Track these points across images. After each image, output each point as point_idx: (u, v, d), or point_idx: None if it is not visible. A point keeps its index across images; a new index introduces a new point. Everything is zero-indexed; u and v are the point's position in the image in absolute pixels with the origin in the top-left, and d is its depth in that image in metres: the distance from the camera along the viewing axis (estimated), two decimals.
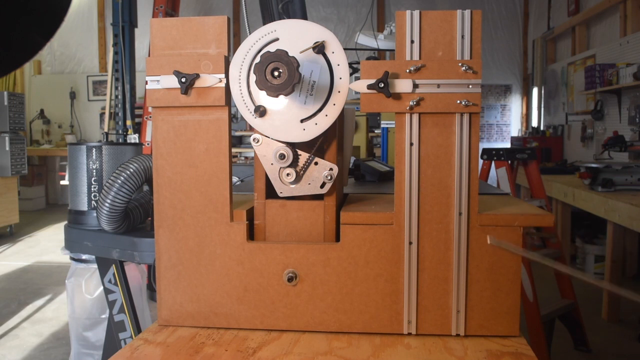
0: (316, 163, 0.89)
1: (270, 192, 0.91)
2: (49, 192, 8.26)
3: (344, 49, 0.86)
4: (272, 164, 0.88)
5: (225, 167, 0.89)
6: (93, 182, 1.51)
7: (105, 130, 5.85)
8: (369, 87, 0.84)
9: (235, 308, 0.90)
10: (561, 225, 4.27)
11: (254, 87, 0.85)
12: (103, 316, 1.77)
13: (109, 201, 1.29)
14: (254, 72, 0.79)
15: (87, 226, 1.52)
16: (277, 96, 0.80)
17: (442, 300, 0.88)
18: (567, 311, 2.79)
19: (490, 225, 0.86)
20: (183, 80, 0.86)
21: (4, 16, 0.72)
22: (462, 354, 0.81)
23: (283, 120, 0.85)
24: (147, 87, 0.89)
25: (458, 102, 0.84)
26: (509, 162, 2.97)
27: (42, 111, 8.11)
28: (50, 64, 8.47)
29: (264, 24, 1.09)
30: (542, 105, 7.30)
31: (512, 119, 7.96)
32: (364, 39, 2.99)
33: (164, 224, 0.91)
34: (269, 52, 0.78)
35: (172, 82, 0.87)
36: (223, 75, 0.86)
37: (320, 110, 0.85)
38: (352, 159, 1.63)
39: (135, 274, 1.74)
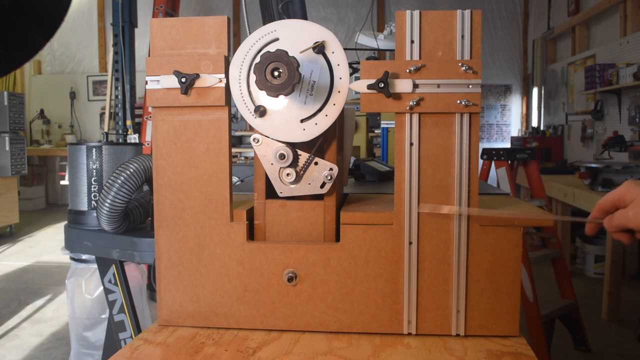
0: (316, 163, 0.89)
1: (270, 192, 0.91)
2: (49, 192, 8.26)
3: (344, 49, 0.86)
4: (272, 164, 0.88)
5: (225, 167, 0.89)
6: (93, 182, 1.51)
7: (105, 130, 5.85)
8: (369, 87, 0.84)
9: (235, 308, 0.90)
10: (561, 225, 4.27)
11: (254, 87, 0.85)
12: (103, 316, 1.77)
13: (109, 201, 1.29)
14: (254, 72, 0.79)
15: (87, 226, 1.52)
16: (277, 96, 0.80)
17: (442, 300, 0.88)
18: (567, 311, 2.79)
19: (490, 225, 0.86)
20: (183, 80, 0.86)
21: (4, 16, 0.72)
22: (462, 354, 0.81)
23: (283, 120, 0.85)
24: (147, 87, 0.89)
25: (458, 102, 0.84)
26: (509, 162, 2.97)
27: (42, 111, 8.11)
28: (50, 64, 8.47)
29: (264, 24, 1.09)
30: (542, 105, 7.31)
31: (512, 119, 7.96)
32: (364, 39, 2.99)
33: (164, 224, 0.91)
34: (269, 52, 0.78)
35: (172, 82, 0.87)
36: (223, 75, 0.86)
37: (320, 110, 0.85)
38: (352, 159, 1.63)
39: (135, 274, 1.74)
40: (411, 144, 0.86)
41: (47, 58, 8.44)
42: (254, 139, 0.88)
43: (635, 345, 2.95)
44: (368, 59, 1.53)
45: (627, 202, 0.69)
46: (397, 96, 0.84)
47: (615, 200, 0.70)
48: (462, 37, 0.84)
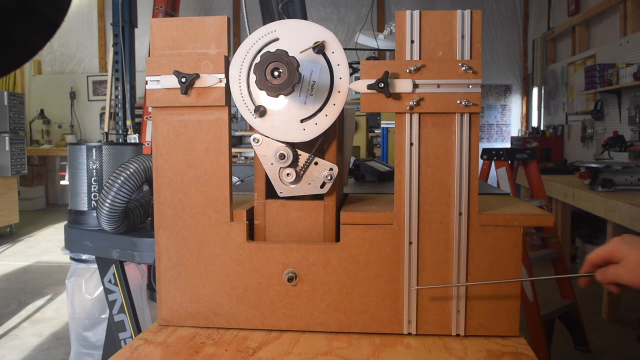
0: (316, 163, 0.89)
1: (270, 192, 0.91)
2: (49, 192, 8.26)
3: (344, 49, 0.86)
4: (272, 164, 0.88)
5: (225, 167, 0.89)
6: (93, 182, 1.51)
7: (105, 130, 5.85)
8: (369, 87, 0.84)
9: (235, 308, 0.90)
10: (561, 225, 4.27)
11: (254, 87, 0.85)
12: (103, 316, 1.77)
13: (109, 201, 1.29)
14: (254, 72, 0.79)
15: (87, 226, 1.52)
16: (277, 96, 0.80)
17: (442, 300, 0.88)
18: (567, 311, 2.79)
19: (490, 225, 0.86)
20: (183, 80, 0.86)
21: (5, 16, 0.72)
22: (462, 354, 0.81)
23: (283, 120, 0.85)
24: (147, 87, 0.89)
25: (458, 102, 0.84)
26: (509, 162, 2.97)
27: (42, 111, 8.11)
28: (50, 64, 8.47)
29: (264, 24, 1.09)
30: (542, 105, 7.30)
31: (512, 119, 7.96)
32: (364, 39, 2.98)
33: (164, 224, 0.91)
34: (269, 52, 0.78)
35: (172, 82, 0.87)
36: (223, 75, 0.86)
37: (320, 110, 0.85)
38: (352, 159, 1.63)
39: (135, 274, 1.74)
40: (411, 144, 0.86)
41: (47, 58, 8.43)
42: (254, 139, 0.88)
43: (635, 345, 2.95)
44: (368, 59, 1.52)
45: (617, 259, 0.75)
46: (397, 96, 0.84)
47: (605, 256, 0.76)
48: (462, 37, 0.84)
